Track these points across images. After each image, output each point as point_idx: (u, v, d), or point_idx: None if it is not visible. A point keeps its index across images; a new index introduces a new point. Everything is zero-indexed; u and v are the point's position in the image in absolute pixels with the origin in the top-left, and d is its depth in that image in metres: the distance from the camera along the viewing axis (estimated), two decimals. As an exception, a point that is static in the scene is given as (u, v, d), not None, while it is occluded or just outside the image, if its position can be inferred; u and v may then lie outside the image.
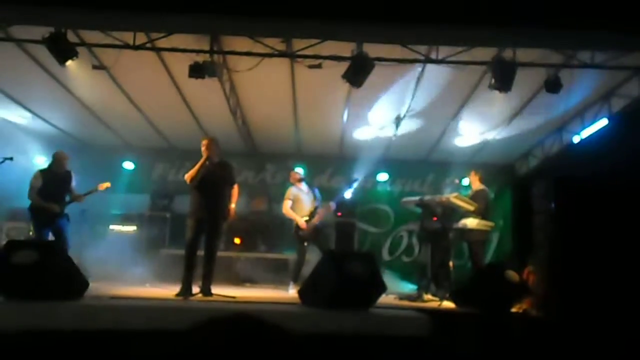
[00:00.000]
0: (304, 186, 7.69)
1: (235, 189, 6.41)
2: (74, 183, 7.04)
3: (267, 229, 10.16)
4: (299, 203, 7.55)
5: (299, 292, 5.37)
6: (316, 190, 7.77)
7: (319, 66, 6.45)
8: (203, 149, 6.16)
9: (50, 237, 6.73)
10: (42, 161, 9.70)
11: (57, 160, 6.93)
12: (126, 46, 6.22)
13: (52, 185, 6.77)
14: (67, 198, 6.96)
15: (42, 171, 6.88)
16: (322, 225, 7.58)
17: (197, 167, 6.08)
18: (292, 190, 7.68)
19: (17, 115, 9.02)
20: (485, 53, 6.33)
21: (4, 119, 9.04)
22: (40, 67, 7.15)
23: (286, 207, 7.56)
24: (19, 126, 9.36)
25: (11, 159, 6.87)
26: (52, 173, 6.87)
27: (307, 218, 7.40)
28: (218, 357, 0.86)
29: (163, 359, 0.94)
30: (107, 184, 7.43)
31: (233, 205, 6.37)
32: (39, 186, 6.71)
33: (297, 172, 7.79)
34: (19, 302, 4.28)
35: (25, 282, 4.40)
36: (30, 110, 8.90)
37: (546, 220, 5.62)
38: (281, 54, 6.44)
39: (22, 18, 5.61)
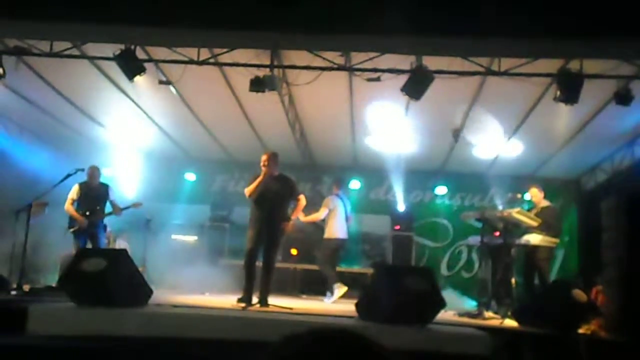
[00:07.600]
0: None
1: (301, 199, 6.53)
2: (112, 196, 7.52)
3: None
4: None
5: (356, 305, 5.33)
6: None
7: (377, 79, 6.44)
8: (263, 163, 6.23)
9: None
10: (109, 172, 10.15)
11: (89, 175, 7.44)
12: (191, 61, 6.43)
13: (87, 197, 7.36)
14: (107, 209, 7.45)
15: (80, 184, 7.38)
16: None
17: (256, 183, 6.15)
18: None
19: (88, 128, 9.47)
20: (550, 64, 6.14)
21: (76, 131, 9.51)
22: (110, 82, 7.50)
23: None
24: (89, 138, 9.81)
25: (83, 170, 7.25)
26: (88, 186, 7.41)
27: None
28: None
29: None
30: (140, 204, 7.94)
31: (297, 216, 6.58)
32: (75, 198, 7.31)
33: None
34: (88, 308, 4.47)
35: (93, 288, 4.59)
36: (99, 123, 9.33)
37: (617, 238, 5.34)
38: (340, 68, 6.48)
39: (95, 36, 5.91)
